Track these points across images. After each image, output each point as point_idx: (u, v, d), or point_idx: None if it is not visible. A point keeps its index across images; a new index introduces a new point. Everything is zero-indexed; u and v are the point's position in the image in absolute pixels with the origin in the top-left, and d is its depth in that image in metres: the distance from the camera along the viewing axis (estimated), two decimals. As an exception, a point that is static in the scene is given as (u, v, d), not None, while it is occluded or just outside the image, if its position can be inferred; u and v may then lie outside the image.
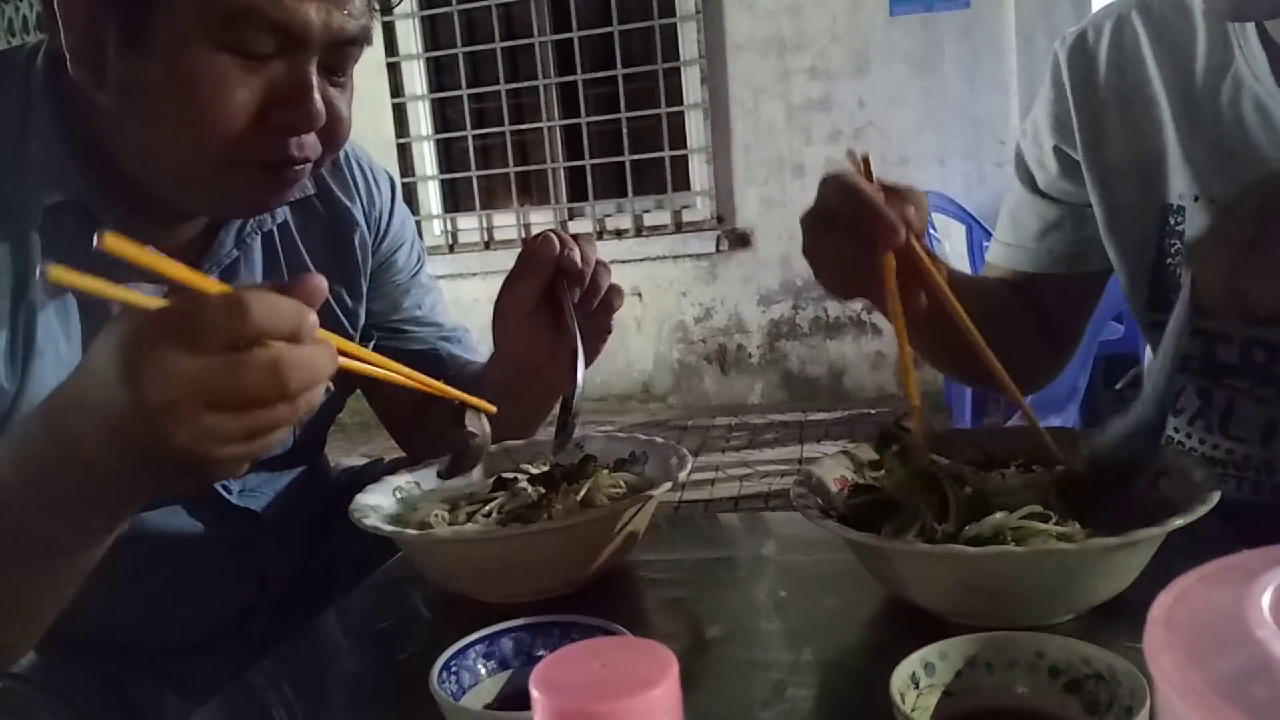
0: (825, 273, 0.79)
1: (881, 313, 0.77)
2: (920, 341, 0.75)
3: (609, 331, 0.92)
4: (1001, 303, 1.02)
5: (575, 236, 0.89)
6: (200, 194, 0.80)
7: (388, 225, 1.06)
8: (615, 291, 0.90)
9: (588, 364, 0.88)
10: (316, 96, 0.76)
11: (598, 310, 0.89)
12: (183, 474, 0.57)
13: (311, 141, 0.79)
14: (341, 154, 1.02)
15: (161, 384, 0.52)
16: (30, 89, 0.81)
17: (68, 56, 0.75)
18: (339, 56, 0.78)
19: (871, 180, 0.76)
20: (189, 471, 0.56)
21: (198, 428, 0.53)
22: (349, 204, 1.02)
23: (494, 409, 0.84)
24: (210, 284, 0.55)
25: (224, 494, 0.94)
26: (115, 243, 0.51)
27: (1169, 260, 0.91)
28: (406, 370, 0.74)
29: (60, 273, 0.51)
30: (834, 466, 0.79)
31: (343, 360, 0.60)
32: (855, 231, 0.74)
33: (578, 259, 0.87)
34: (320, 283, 0.58)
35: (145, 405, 0.53)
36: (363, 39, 0.79)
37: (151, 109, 0.75)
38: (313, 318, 0.55)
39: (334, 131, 0.81)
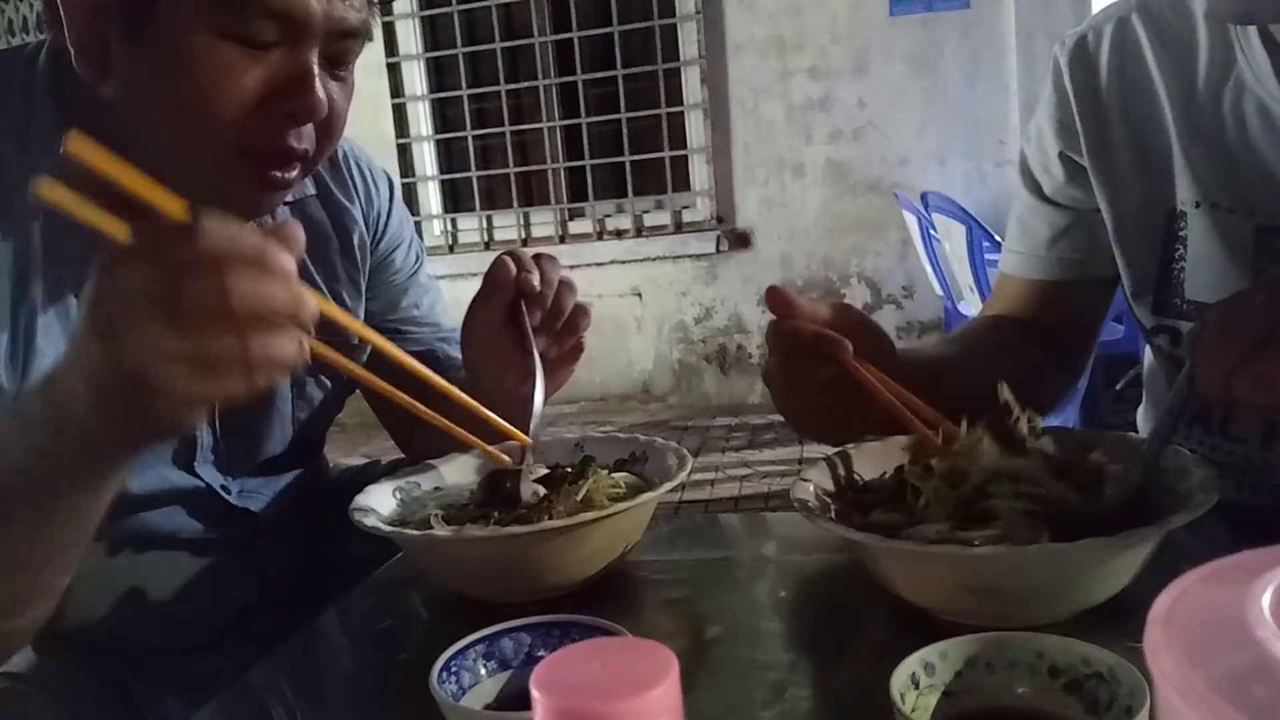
0: (806, 418, 0.82)
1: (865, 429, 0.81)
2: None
3: (579, 351, 0.92)
4: (1001, 338, 1.01)
5: (538, 257, 0.89)
6: (202, 191, 0.80)
7: (386, 225, 1.06)
8: (581, 312, 0.90)
9: (558, 386, 0.88)
10: (319, 86, 0.76)
11: (563, 332, 0.89)
12: (144, 412, 0.57)
13: (309, 134, 0.79)
14: (340, 154, 1.03)
15: (111, 299, 0.54)
16: (32, 88, 0.81)
17: (71, 51, 0.75)
18: (339, 49, 0.79)
19: (794, 308, 0.78)
20: (148, 408, 0.56)
21: (143, 340, 0.54)
22: (348, 204, 1.02)
23: (529, 440, 0.85)
24: (172, 202, 0.56)
25: (224, 495, 0.94)
26: (80, 146, 0.55)
27: (1173, 265, 0.90)
28: (437, 380, 0.79)
29: (47, 188, 0.55)
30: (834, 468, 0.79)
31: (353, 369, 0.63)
32: (811, 360, 0.76)
33: (536, 281, 0.86)
34: (297, 231, 0.59)
35: (98, 323, 0.55)
36: (363, 32, 0.80)
37: (154, 100, 0.75)
38: (282, 260, 0.56)
39: (331, 126, 0.81)
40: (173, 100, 0.74)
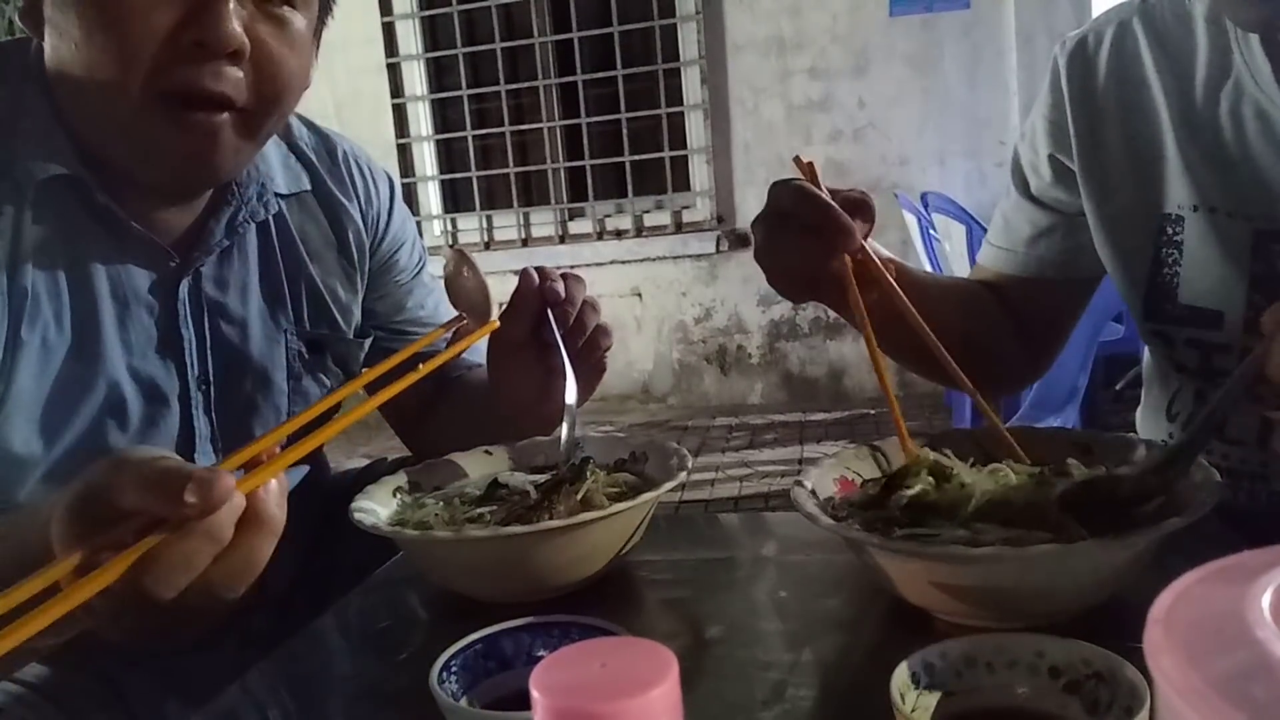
0: (778, 276, 0.81)
1: (837, 312, 0.82)
2: (883, 341, 0.79)
3: (602, 369, 0.93)
4: (977, 303, 1.02)
5: (564, 275, 0.90)
6: (135, 142, 0.79)
7: (387, 225, 1.06)
8: (602, 331, 0.91)
9: (579, 403, 0.89)
10: (227, 14, 0.74)
11: (585, 348, 0.90)
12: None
13: (234, 77, 0.77)
14: (339, 152, 1.03)
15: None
16: (26, 70, 0.82)
17: (18, 7, 0.77)
18: None
19: (819, 186, 0.78)
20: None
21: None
22: (345, 201, 1.02)
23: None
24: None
25: None
26: None
27: (1165, 270, 0.90)
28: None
29: None
30: (834, 467, 0.79)
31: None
32: (810, 235, 0.77)
33: (560, 290, 0.88)
34: (228, 484, 0.55)
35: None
36: None
37: (76, 44, 0.76)
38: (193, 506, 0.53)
39: (270, 76, 0.79)
40: (90, 40, 0.75)
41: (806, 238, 0.77)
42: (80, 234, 0.83)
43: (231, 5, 0.75)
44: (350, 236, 1.02)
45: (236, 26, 0.75)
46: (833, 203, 0.76)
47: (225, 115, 0.78)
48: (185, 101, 0.76)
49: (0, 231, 0.79)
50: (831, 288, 0.79)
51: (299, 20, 0.81)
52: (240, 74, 0.77)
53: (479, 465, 0.92)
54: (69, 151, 0.80)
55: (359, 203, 1.03)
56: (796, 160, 0.81)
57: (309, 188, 0.99)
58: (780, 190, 0.78)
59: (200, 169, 0.83)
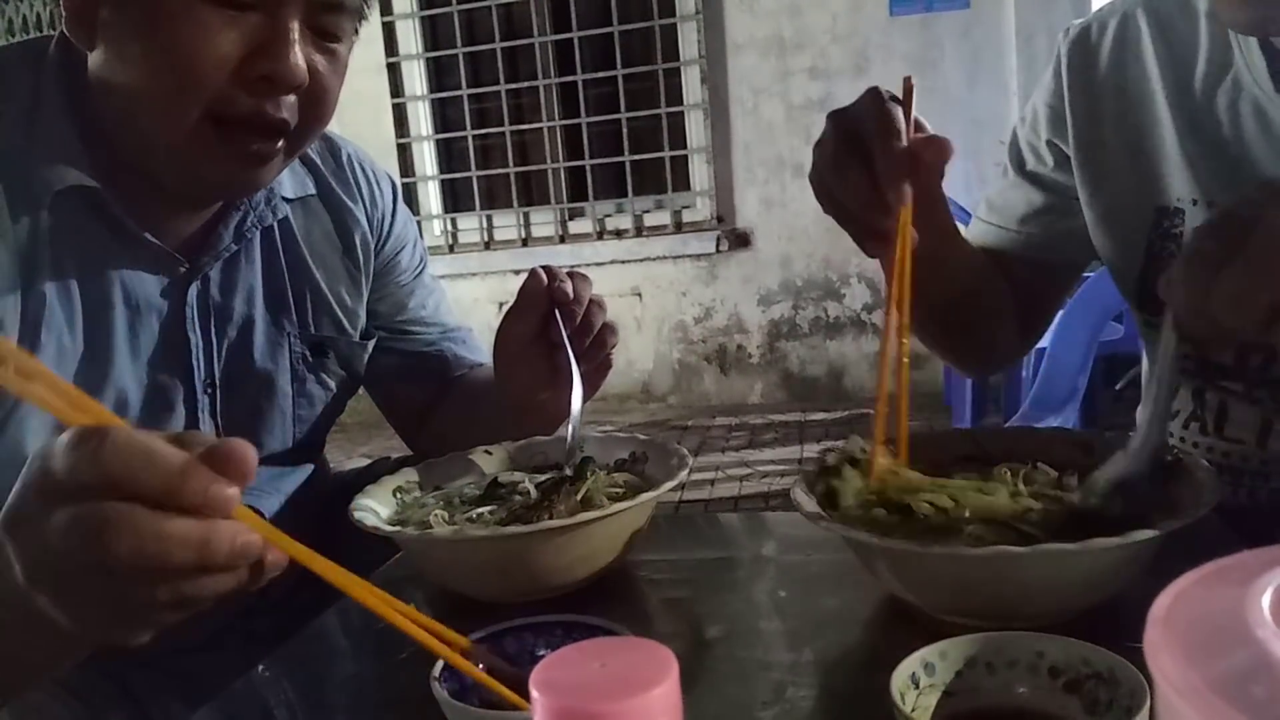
0: (836, 196, 0.74)
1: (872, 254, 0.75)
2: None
3: (608, 368, 0.93)
4: (988, 272, 1.02)
5: (572, 274, 0.90)
6: (183, 161, 0.80)
7: (390, 227, 1.07)
8: (609, 330, 0.91)
9: (585, 400, 0.89)
10: (295, 50, 0.76)
11: (591, 347, 0.90)
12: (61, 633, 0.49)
13: (291, 104, 0.79)
14: (344, 155, 1.04)
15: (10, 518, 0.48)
16: (41, 76, 0.82)
17: (64, 15, 0.76)
18: (326, 21, 0.79)
19: (910, 112, 0.74)
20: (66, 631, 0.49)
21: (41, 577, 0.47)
22: (350, 204, 1.02)
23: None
24: (105, 416, 0.46)
25: None
26: None
27: (1162, 262, 0.90)
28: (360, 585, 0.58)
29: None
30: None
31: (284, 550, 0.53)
32: (865, 174, 0.72)
33: (569, 289, 0.88)
34: (248, 454, 0.47)
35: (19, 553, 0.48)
36: (351, 7, 0.80)
37: (134, 62, 0.76)
38: (204, 485, 0.45)
39: (319, 102, 0.81)
40: (151, 60, 0.75)
41: (858, 173, 0.72)
42: (93, 242, 0.83)
43: (297, 43, 0.76)
44: (356, 239, 1.02)
45: (302, 63, 0.76)
46: (902, 145, 0.71)
47: (281, 140, 0.80)
48: (243, 125, 0.77)
49: (19, 238, 0.79)
50: (874, 239, 0.73)
51: (343, 51, 0.84)
52: (295, 101, 0.79)
53: (479, 465, 0.92)
54: (84, 162, 0.80)
55: (364, 205, 1.04)
56: (907, 80, 0.76)
57: (314, 192, 1.00)
58: (865, 101, 0.74)
59: (244, 186, 0.86)
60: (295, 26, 0.76)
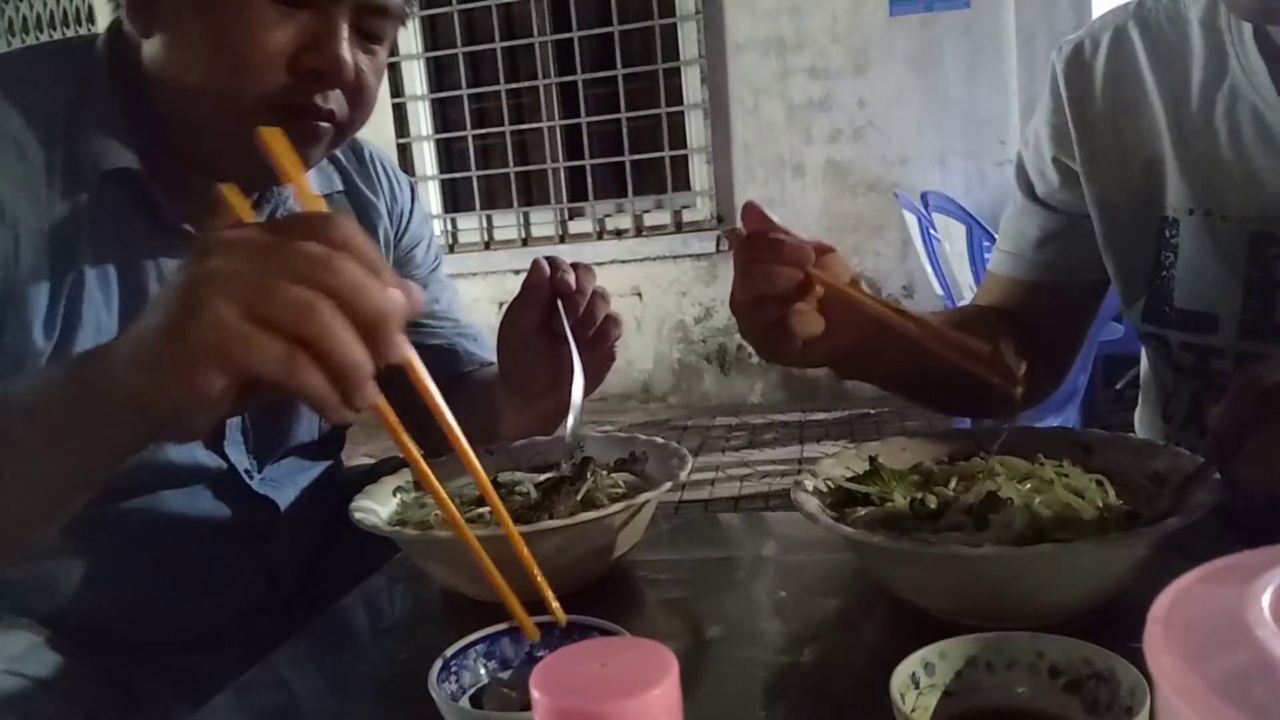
0: (768, 336, 0.79)
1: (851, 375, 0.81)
2: (895, 382, 0.77)
3: (611, 360, 0.93)
4: (986, 325, 1.01)
5: (574, 266, 0.91)
6: (231, 148, 0.81)
7: (408, 223, 1.10)
8: (612, 321, 0.92)
9: (588, 393, 0.89)
10: (345, 47, 0.80)
11: (594, 339, 0.91)
12: (197, 390, 0.51)
13: (338, 99, 0.82)
14: (366, 154, 1.08)
15: (208, 268, 0.51)
16: (91, 62, 0.86)
17: (124, 3, 0.80)
18: (372, 24, 0.83)
19: (765, 223, 0.77)
20: (204, 386, 0.51)
21: (220, 312, 0.50)
22: (373, 198, 1.05)
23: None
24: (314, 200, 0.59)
25: (246, 479, 0.96)
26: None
27: (1164, 273, 0.90)
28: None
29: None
30: (834, 466, 0.79)
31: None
32: (770, 269, 0.76)
33: (572, 281, 0.89)
34: (419, 294, 0.56)
35: (190, 283, 0.51)
36: (395, 13, 0.84)
37: (191, 52, 0.80)
38: (393, 280, 0.54)
39: (361, 100, 0.85)
40: (209, 49, 0.79)
41: (765, 267, 0.76)
42: (133, 227, 0.86)
43: (346, 42, 0.80)
44: (379, 234, 1.05)
45: (350, 59, 0.80)
46: (776, 234, 0.76)
47: (329, 127, 0.83)
48: (295, 114, 0.80)
49: (61, 215, 0.81)
50: (827, 335, 0.76)
51: (383, 53, 0.87)
52: (341, 96, 0.83)
53: (479, 465, 0.92)
54: (130, 146, 0.83)
55: (386, 201, 1.07)
56: (744, 208, 0.80)
57: (341, 188, 1.03)
58: (736, 249, 0.79)
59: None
60: (344, 26, 0.80)
